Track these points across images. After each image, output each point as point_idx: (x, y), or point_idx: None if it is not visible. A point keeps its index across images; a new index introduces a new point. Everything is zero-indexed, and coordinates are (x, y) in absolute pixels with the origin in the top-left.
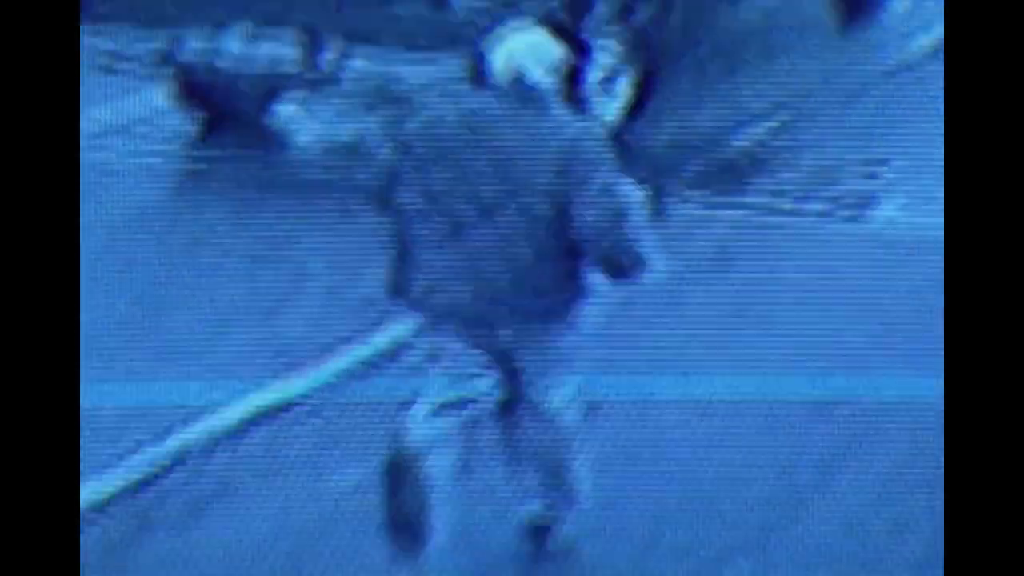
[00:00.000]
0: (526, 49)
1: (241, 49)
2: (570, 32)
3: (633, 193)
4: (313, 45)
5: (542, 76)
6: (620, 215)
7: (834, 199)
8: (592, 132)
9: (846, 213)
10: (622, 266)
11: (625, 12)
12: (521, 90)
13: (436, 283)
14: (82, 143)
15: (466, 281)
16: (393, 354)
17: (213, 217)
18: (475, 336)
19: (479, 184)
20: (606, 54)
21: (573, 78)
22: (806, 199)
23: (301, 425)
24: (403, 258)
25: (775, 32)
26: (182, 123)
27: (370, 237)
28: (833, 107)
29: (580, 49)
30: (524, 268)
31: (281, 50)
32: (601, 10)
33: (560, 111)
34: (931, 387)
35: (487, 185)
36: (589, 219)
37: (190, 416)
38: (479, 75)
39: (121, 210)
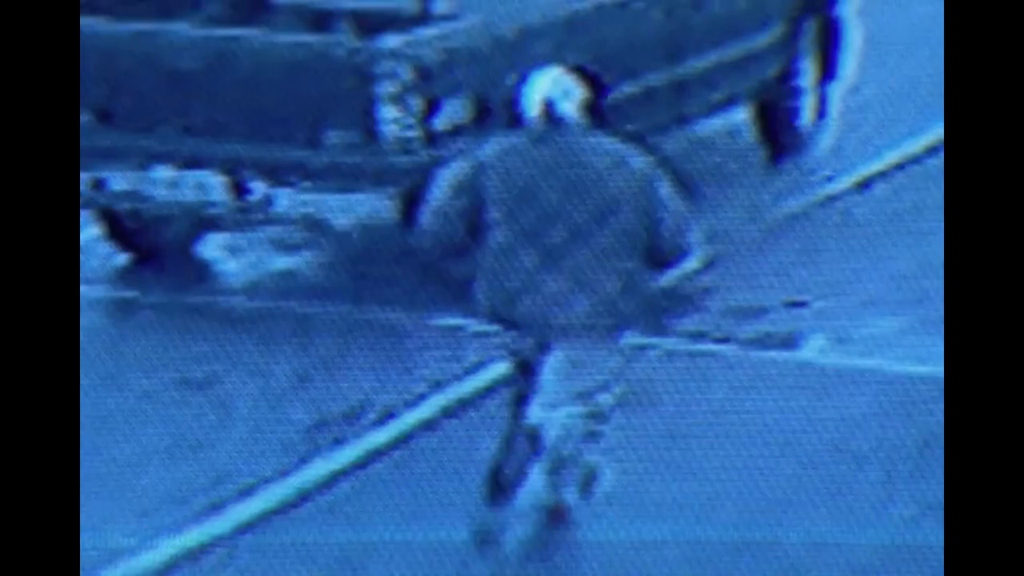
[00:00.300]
0: (551, 84)
1: (166, 188)
2: (586, 71)
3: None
4: (238, 184)
5: (568, 107)
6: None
7: (759, 334)
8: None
9: (770, 347)
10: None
11: None
12: (554, 121)
13: (541, 302)
14: None
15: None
16: (320, 490)
17: (139, 349)
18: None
19: (566, 215)
20: None
21: (592, 110)
22: (731, 334)
23: (224, 567)
24: (498, 288)
25: (702, 167)
26: (108, 256)
27: (297, 368)
28: (757, 242)
29: (597, 84)
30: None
31: (206, 189)
32: None
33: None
34: (861, 528)
35: (575, 214)
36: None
37: (108, 558)
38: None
39: None
